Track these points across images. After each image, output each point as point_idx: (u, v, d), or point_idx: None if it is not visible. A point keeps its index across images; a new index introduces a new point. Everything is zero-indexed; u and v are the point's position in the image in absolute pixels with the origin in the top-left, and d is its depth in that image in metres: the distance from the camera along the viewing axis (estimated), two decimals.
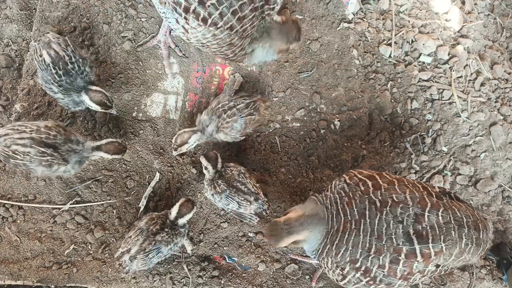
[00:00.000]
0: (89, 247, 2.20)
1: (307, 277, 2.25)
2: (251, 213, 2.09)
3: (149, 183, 2.29)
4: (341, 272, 1.71)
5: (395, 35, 2.55)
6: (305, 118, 2.44)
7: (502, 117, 2.53)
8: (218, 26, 1.69)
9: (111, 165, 2.28)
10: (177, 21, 1.76)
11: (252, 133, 2.34)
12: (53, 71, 1.91)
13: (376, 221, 1.62)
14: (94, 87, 2.01)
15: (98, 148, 1.99)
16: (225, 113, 2.09)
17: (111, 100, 2.04)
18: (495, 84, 2.57)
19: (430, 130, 2.49)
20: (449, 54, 2.54)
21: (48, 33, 2.00)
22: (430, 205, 1.65)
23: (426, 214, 1.63)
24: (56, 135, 1.85)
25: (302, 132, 2.44)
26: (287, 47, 1.96)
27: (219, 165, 2.07)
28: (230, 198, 2.02)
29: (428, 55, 2.54)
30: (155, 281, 2.16)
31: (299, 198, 2.36)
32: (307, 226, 1.71)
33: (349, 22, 2.53)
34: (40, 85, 2.06)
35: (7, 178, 2.24)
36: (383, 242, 1.60)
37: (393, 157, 2.45)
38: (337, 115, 2.45)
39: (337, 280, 1.79)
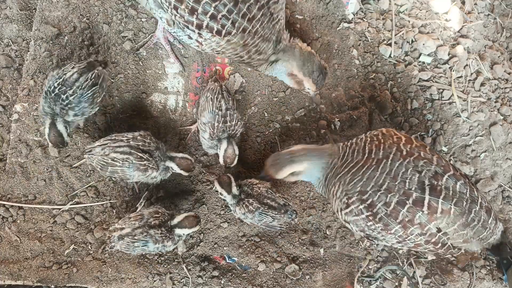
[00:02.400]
0: (89, 247, 2.20)
1: (307, 277, 2.25)
2: (281, 224, 2.13)
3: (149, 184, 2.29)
4: (346, 201, 1.75)
5: (395, 35, 2.55)
6: (305, 118, 2.44)
7: (502, 117, 2.53)
8: (232, 34, 1.77)
9: None
10: (190, 37, 1.83)
11: (251, 133, 2.35)
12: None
13: (397, 164, 1.67)
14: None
15: (171, 159, 2.07)
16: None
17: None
18: (495, 84, 2.57)
19: (430, 130, 2.49)
20: (449, 54, 2.54)
21: None
22: (452, 172, 1.69)
23: (446, 176, 1.67)
24: (150, 143, 2.03)
25: (302, 132, 2.44)
26: (301, 79, 2.09)
27: (234, 189, 2.07)
28: (264, 214, 2.04)
29: (428, 55, 2.54)
30: (155, 281, 2.16)
31: (299, 199, 2.36)
32: (309, 157, 1.83)
33: (349, 22, 2.53)
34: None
35: (7, 178, 2.24)
36: (396, 183, 1.64)
37: None
38: (337, 115, 2.45)
39: (339, 210, 1.83)
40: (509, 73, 2.60)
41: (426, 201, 1.61)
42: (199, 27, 1.74)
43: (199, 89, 2.40)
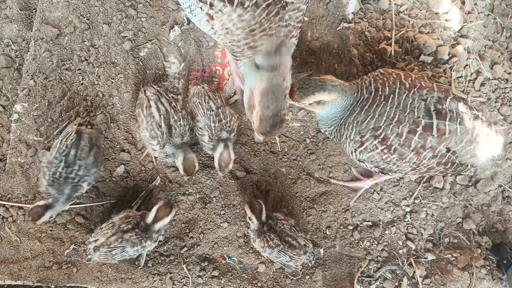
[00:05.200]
0: (86, 242, 2.20)
1: (307, 277, 2.25)
2: (297, 265, 2.12)
3: (151, 181, 2.29)
4: (360, 140, 1.85)
5: (395, 35, 2.55)
6: (305, 118, 2.44)
7: (502, 117, 2.52)
8: (245, 5, 1.61)
9: (111, 165, 2.28)
10: (201, 9, 1.70)
11: (251, 133, 2.34)
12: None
13: (404, 97, 1.79)
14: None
15: (184, 151, 2.08)
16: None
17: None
18: (495, 84, 2.57)
19: None
20: (449, 54, 2.54)
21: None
22: (453, 95, 1.83)
23: (448, 99, 1.80)
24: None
25: (302, 132, 2.44)
26: (254, 104, 1.75)
27: (263, 217, 2.08)
28: (282, 252, 2.04)
29: (428, 55, 2.54)
30: (155, 281, 2.16)
31: (299, 199, 2.36)
32: (339, 89, 1.84)
33: (349, 22, 2.53)
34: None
35: (7, 178, 2.24)
36: (406, 114, 1.76)
37: None
38: None
39: (353, 151, 1.93)
40: (509, 73, 2.60)
41: (434, 125, 1.75)
42: None
43: None
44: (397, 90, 1.81)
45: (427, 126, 1.75)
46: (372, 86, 1.87)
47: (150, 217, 2.02)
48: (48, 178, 1.96)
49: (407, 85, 1.82)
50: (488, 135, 1.86)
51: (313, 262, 2.14)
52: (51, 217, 2.01)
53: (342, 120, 1.93)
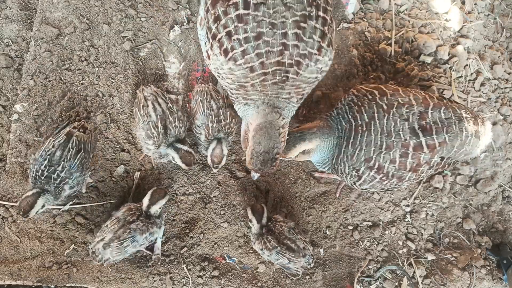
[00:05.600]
0: (89, 247, 2.20)
1: (307, 277, 2.25)
2: (297, 267, 2.10)
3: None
4: (356, 174, 1.87)
5: (395, 35, 2.55)
6: (304, 120, 2.44)
7: (502, 117, 2.52)
8: (237, 62, 1.60)
9: (111, 166, 2.28)
10: (205, 44, 1.74)
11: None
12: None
13: (385, 121, 1.78)
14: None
15: (176, 150, 2.08)
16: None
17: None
18: (495, 84, 2.57)
19: None
20: (449, 54, 2.54)
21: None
22: (432, 104, 1.82)
23: (430, 111, 1.80)
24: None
25: None
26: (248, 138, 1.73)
27: (264, 220, 2.09)
28: (280, 254, 2.04)
29: (428, 55, 2.54)
30: (155, 281, 2.16)
31: (299, 199, 2.36)
32: (319, 135, 1.85)
33: (349, 22, 2.53)
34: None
35: (7, 178, 2.24)
36: (392, 139, 1.77)
37: None
38: None
39: (352, 184, 1.95)
40: (509, 73, 2.60)
41: (423, 143, 1.76)
42: (214, 36, 1.61)
43: None
44: (376, 115, 1.80)
45: (417, 146, 1.76)
46: (349, 116, 1.85)
47: (145, 202, 2.05)
48: (31, 175, 1.97)
49: (385, 107, 1.80)
50: (476, 132, 1.86)
51: (312, 265, 2.14)
52: (43, 206, 1.96)
53: (334, 158, 1.93)
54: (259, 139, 1.64)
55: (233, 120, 2.16)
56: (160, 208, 2.07)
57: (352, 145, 1.83)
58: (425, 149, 1.77)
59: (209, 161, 2.14)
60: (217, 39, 1.60)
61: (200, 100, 2.11)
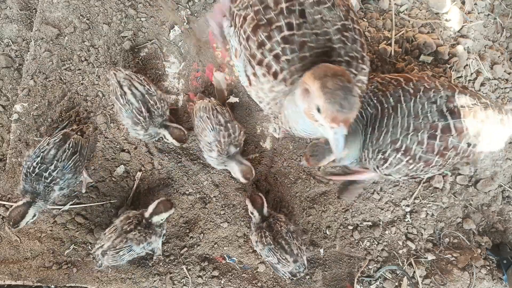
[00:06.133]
0: (89, 247, 2.20)
1: (307, 277, 2.25)
2: (285, 271, 2.10)
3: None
4: (382, 156, 1.84)
5: (395, 35, 2.55)
6: None
7: None
8: (287, 83, 1.56)
9: (111, 166, 2.29)
10: (245, 72, 1.71)
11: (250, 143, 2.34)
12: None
13: (412, 104, 1.77)
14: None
15: (166, 127, 2.12)
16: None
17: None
18: (495, 84, 2.56)
19: None
20: (449, 54, 2.54)
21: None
22: (458, 90, 1.82)
23: (456, 95, 1.79)
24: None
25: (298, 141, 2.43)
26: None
27: (265, 210, 2.10)
28: (272, 252, 2.03)
29: (428, 55, 2.54)
30: (155, 281, 2.16)
31: (299, 199, 2.36)
32: (346, 144, 1.76)
33: None
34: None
35: (7, 178, 2.24)
36: (420, 120, 1.75)
37: None
38: None
39: (377, 167, 1.92)
40: (509, 73, 2.60)
41: (452, 126, 1.74)
42: (260, 63, 1.59)
43: (199, 89, 2.40)
44: (402, 98, 1.80)
45: (445, 128, 1.75)
46: (375, 101, 1.85)
47: (149, 210, 2.04)
48: (23, 172, 1.97)
49: (411, 91, 1.81)
50: (502, 120, 1.86)
51: (302, 274, 2.11)
52: (34, 215, 1.96)
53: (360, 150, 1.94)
54: (329, 81, 1.27)
55: (241, 132, 2.16)
56: (162, 219, 2.07)
57: (378, 129, 1.81)
58: (453, 131, 1.74)
59: (243, 180, 2.16)
60: (264, 64, 1.59)
61: (207, 116, 2.07)
